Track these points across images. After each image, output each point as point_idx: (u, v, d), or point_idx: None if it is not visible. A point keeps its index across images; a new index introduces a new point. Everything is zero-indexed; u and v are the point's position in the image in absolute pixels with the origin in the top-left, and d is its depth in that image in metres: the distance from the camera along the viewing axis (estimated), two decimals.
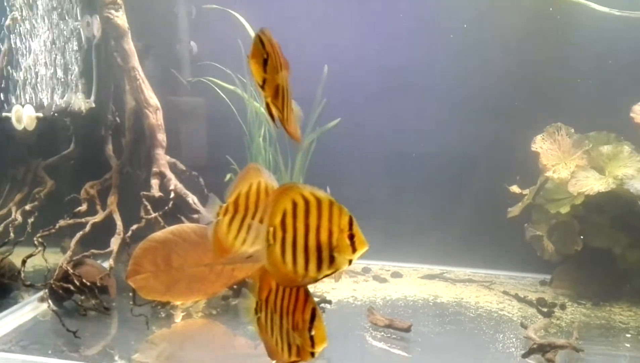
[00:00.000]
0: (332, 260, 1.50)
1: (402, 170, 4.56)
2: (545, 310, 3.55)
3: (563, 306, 3.65)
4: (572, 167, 3.78)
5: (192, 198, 4.00)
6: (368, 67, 4.50)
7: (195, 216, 3.98)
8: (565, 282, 3.97)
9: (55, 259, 3.76)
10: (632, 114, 3.59)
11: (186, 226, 3.57)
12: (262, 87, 1.66)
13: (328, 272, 1.52)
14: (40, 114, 4.07)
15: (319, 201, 1.51)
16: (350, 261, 1.50)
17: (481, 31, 4.25)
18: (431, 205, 4.57)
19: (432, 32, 4.36)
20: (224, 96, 4.57)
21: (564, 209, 3.73)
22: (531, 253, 4.14)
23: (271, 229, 1.53)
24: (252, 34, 4.42)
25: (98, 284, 3.45)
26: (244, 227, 1.75)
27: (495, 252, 4.41)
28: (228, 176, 4.62)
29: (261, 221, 1.62)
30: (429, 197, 4.57)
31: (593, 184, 3.46)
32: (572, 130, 3.90)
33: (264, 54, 1.64)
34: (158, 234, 3.46)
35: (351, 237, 1.49)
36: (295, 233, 1.51)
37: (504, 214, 4.19)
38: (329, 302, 3.62)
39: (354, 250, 1.49)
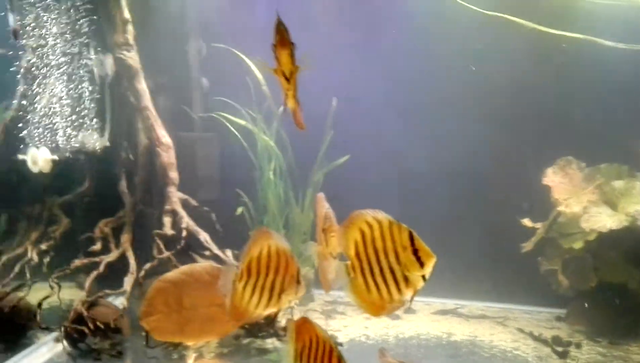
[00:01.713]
0: (406, 279, 1.54)
1: (413, 201, 4.55)
2: (560, 349, 3.49)
3: (579, 345, 3.59)
4: (584, 201, 3.75)
5: (203, 236, 4.04)
6: (375, 101, 4.53)
7: (207, 253, 4.02)
8: (580, 318, 3.90)
9: (70, 294, 3.80)
10: None
11: (198, 265, 3.60)
12: (289, 79, 1.68)
13: (409, 292, 1.55)
14: (56, 157, 4.15)
15: (380, 224, 1.55)
16: (424, 277, 1.53)
17: (494, 63, 4.26)
18: (444, 237, 4.53)
19: (443, 64, 4.38)
20: (235, 131, 4.63)
21: (577, 245, 3.70)
22: (545, 287, 4.10)
23: (349, 263, 1.60)
24: (258, 72, 4.48)
25: (112, 325, 3.48)
26: (257, 290, 1.81)
27: (509, 286, 4.37)
28: (240, 210, 4.65)
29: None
30: (441, 229, 4.54)
31: (606, 220, 3.42)
32: (583, 164, 3.87)
33: (292, 45, 1.67)
34: (170, 274, 3.48)
35: (416, 252, 1.52)
36: (369, 260, 1.57)
37: (517, 247, 4.16)
38: (340, 344, 3.60)
39: (422, 265, 1.51)
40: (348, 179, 4.57)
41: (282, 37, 1.64)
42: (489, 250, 4.38)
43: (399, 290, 1.56)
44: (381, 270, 1.57)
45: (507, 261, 4.27)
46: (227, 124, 4.63)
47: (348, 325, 3.99)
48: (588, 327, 3.83)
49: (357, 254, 1.60)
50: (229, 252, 4.15)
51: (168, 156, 4.17)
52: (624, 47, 3.49)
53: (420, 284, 1.55)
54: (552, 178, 3.96)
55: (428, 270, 1.54)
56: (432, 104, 4.41)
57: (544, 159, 4.06)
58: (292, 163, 4.60)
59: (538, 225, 4.08)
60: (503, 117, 4.24)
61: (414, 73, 4.40)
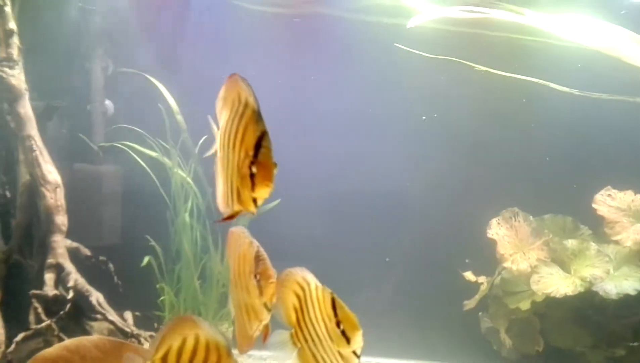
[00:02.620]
0: (340, 354, 1.38)
1: (348, 249, 4.10)
2: None
3: None
4: (531, 258, 3.47)
5: (96, 297, 3.31)
6: (314, 143, 4.05)
7: (99, 317, 3.29)
8: None
9: None
10: (594, 205, 3.33)
11: (86, 339, 2.86)
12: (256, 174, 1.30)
13: None
14: None
15: (309, 288, 1.45)
16: (356, 354, 1.35)
17: (441, 107, 3.94)
18: (377, 288, 4.14)
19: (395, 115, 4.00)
20: (143, 164, 3.95)
21: (524, 306, 3.39)
22: (487, 347, 3.78)
23: (293, 332, 1.48)
24: (171, 100, 3.87)
25: None
26: None
27: (447, 343, 3.99)
28: (146, 260, 3.96)
29: None
30: (377, 281, 4.13)
31: (559, 284, 3.14)
32: (531, 217, 3.60)
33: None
34: (50, 351, 2.74)
35: (339, 324, 1.36)
36: (309, 328, 1.45)
37: (458, 301, 3.82)
38: None
39: (348, 340, 1.34)
40: (280, 223, 4.03)
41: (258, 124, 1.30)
42: (428, 304, 4.00)
43: None
44: (320, 341, 1.43)
45: (448, 318, 3.91)
46: (134, 155, 3.95)
47: None
48: None
49: (297, 321, 1.48)
50: (128, 315, 3.45)
51: (54, 197, 3.40)
52: (578, 93, 3.26)
53: (355, 361, 1.37)
54: (497, 229, 3.65)
55: (356, 346, 1.36)
56: (372, 148, 4.00)
57: (490, 210, 3.75)
58: (211, 204, 3.98)
59: (482, 279, 3.76)
60: (449, 162, 3.92)
61: (355, 119, 3.98)
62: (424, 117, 3.78)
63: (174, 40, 4.19)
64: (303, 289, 1.46)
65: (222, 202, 1.39)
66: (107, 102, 4.17)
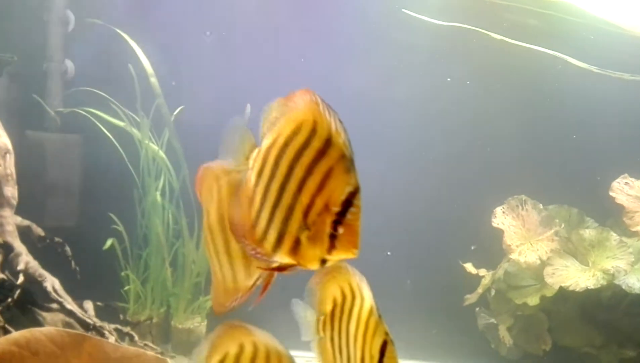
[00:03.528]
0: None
1: None
2: None
3: None
4: (540, 249, 3.21)
5: (51, 283, 2.81)
6: None
7: (55, 307, 2.80)
8: None
9: None
10: (611, 193, 3.10)
11: (39, 332, 2.44)
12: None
13: None
14: None
15: (362, 300, 1.30)
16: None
17: (444, 87, 3.63)
18: (377, 283, 3.81)
19: (392, 97, 3.65)
20: (108, 134, 3.46)
21: (533, 301, 3.13)
22: (484, 345, 3.51)
23: (321, 318, 1.36)
24: (144, 59, 3.40)
25: None
26: None
27: (442, 342, 3.70)
28: (109, 242, 3.48)
29: None
30: (375, 273, 3.80)
31: (577, 277, 2.88)
32: (540, 205, 3.34)
33: None
34: None
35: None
36: (340, 332, 1.32)
37: (456, 296, 3.54)
38: None
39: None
40: None
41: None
42: (427, 299, 3.69)
43: None
44: (347, 354, 1.29)
45: (445, 314, 3.62)
46: (98, 124, 3.45)
47: None
48: None
49: (333, 316, 1.33)
50: (89, 305, 2.97)
51: (3, 164, 2.87)
52: (597, 71, 3.01)
53: None
54: (502, 219, 3.37)
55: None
56: (373, 129, 3.63)
57: (491, 199, 3.47)
58: (187, 183, 3.53)
59: (483, 272, 3.48)
60: (451, 144, 3.61)
61: (355, 91, 3.60)
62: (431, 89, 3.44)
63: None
64: (353, 295, 1.32)
65: (266, 244, 1.11)
66: (67, 61, 3.63)
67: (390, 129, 3.58)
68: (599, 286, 2.78)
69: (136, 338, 2.88)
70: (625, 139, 3.44)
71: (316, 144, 1.05)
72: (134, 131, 3.48)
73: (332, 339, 1.34)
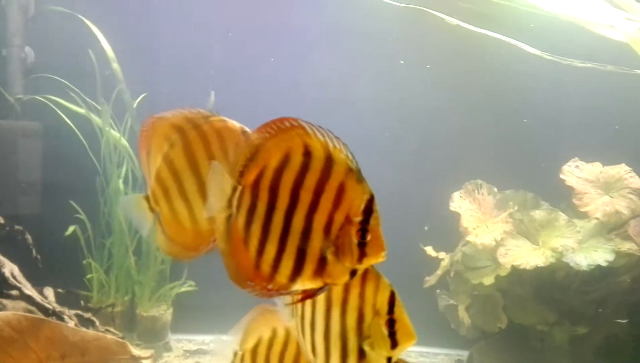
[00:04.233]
0: (361, 355, 1.15)
1: None
2: None
3: None
4: (495, 231, 3.31)
5: (9, 269, 2.79)
6: (270, 102, 3.67)
7: (14, 293, 2.78)
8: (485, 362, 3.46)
9: None
10: (562, 176, 3.22)
11: None
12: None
13: None
14: None
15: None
16: (389, 361, 1.14)
17: (403, 76, 3.70)
18: None
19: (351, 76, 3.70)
20: (69, 121, 3.44)
21: (488, 281, 3.23)
22: (445, 326, 3.61)
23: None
24: (106, 45, 3.40)
25: None
26: None
27: None
28: (71, 229, 3.46)
29: None
30: None
31: (528, 256, 2.99)
32: (495, 189, 3.44)
33: None
34: None
35: (391, 324, 1.14)
36: (314, 309, 1.19)
37: (418, 280, 3.62)
38: None
39: (394, 345, 1.13)
40: None
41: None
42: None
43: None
44: (327, 331, 1.17)
45: (408, 295, 3.69)
46: (59, 111, 3.42)
47: None
48: None
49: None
50: (49, 292, 2.95)
51: None
52: (548, 58, 3.12)
53: None
54: (459, 203, 3.47)
55: (399, 353, 1.15)
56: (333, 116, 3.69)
57: (452, 182, 3.57)
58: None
59: (442, 255, 3.58)
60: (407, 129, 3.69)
61: (316, 76, 3.64)
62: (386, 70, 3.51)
63: None
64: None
65: (279, 278, 1.10)
66: (27, 48, 3.58)
67: (349, 115, 3.63)
68: (547, 264, 2.89)
69: (97, 323, 2.88)
70: (577, 124, 3.58)
71: (316, 165, 1.07)
72: (94, 117, 3.47)
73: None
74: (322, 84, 3.63)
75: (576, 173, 3.21)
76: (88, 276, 3.49)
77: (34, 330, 2.43)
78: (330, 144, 1.09)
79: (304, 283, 1.08)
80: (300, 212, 1.07)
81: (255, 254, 1.10)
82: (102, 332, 2.85)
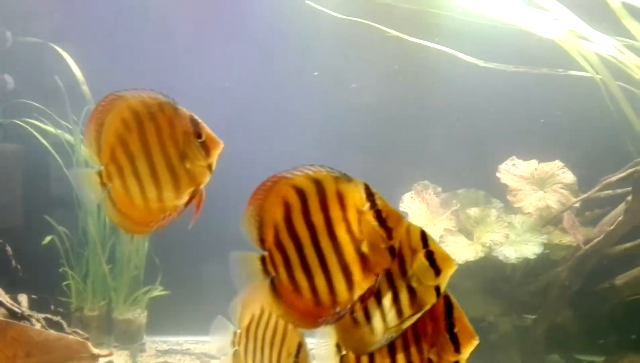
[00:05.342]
0: (412, 292, 1.19)
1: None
2: None
3: None
4: (440, 228, 3.48)
5: None
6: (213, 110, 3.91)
7: None
8: None
9: None
10: (498, 174, 3.38)
11: None
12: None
13: (413, 314, 1.18)
14: None
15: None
16: (437, 290, 1.20)
17: (347, 77, 3.90)
18: None
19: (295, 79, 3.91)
20: (45, 142, 3.75)
21: None
22: None
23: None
24: (76, 71, 3.71)
25: None
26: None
27: None
28: (48, 239, 3.75)
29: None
30: None
31: (462, 251, 3.15)
32: (439, 189, 3.62)
33: None
34: None
35: (429, 256, 1.20)
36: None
37: None
38: None
39: (438, 272, 1.20)
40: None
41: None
42: None
43: (400, 313, 1.20)
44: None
45: None
46: (34, 133, 3.74)
47: None
48: None
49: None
50: (23, 298, 3.23)
51: None
52: (483, 65, 3.30)
53: (432, 301, 1.22)
54: (409, 203, 3.65)
55: (446, 279, 1.23)
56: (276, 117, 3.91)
57: (402, 184, 3.75)
58: None
59: None
60: (356, 135, 3.88)
61: (256, 83, 3.88)
62: (315, 73, 3.72)
63: (82, 8, 3.99)
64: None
65: (341, 292, 1.20)
66: (6, 75, 3.91)
67: (295, 121, 3.86)
68: (477, 258, 3.05)
69: (65, 326, 3.14)
70: (517, 123, 3.73)
71: (312, 197, 1.20)
72: (67, 136, 3.77)
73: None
74: (251, 92, 3.87)
75: (512, 170, 3.36)
76: (64, 283, 3.77)
77: (1, 331, 2.70)
78: (312, 173, 1.20)
79: (360, 285, 1.15)
80: (324, 239, 1.16)
81: (310, 295, 1.17)
82: (69, 333, 3.11)
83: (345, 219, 1.16)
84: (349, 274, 1.15)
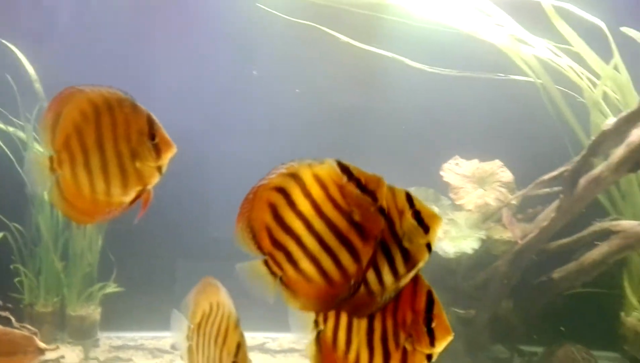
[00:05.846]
0: (404, 252, 1.23)
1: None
2: None
3: None
4: None
5: None
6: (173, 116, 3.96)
7: None
8: None
9: None
10: (441, 173, 3.51)
11: None
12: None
13: (408, 273, 1.23)
14: None
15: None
16: (429, 247, 1.24)
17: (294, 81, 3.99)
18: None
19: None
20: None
21: None
22: None
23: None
24: (30, 69, 3.71)
25: None
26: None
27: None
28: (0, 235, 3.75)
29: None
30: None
31: None
32: None
33: None
34: None
35: (417, 215, 1.24)
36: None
37: None
38: None
39: (427, 230, 1.23)
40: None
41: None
42: None
43: (395, 274, 1.25)
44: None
45: None
46: None
47: None
48: None
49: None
50: None
51: None
52: (430, 70, 3.42)
53: (426, 258, 1.26)
54: None
55: (435, 235, 1.27)
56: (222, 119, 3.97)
57: None
58: None
59: None
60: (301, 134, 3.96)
61: (210, 83, 3.95)
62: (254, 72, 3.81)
63: (36, 4, 3.99)
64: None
65: None
66: None
67: (245, 127, 3.94)
68: None
69: (13, 321, 3.15)
70: (465, 126, 3.87)
71: (305, 194, 1.24)
72: (20, 133, 3.76)
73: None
74: (200, 97, 3.94)
75: (455, 169, 3.50)
76: (16, 279, 3.77)
77: None
78: (285, 170, 1.23)
79: (364, 252, 1.20)
80: (316, 223, 1.22)
81: (321, 279, 1.21)
82: (18, 328, 3.13)
83: (330, 197, 1.21)
84: (351, 246, 1.20)
